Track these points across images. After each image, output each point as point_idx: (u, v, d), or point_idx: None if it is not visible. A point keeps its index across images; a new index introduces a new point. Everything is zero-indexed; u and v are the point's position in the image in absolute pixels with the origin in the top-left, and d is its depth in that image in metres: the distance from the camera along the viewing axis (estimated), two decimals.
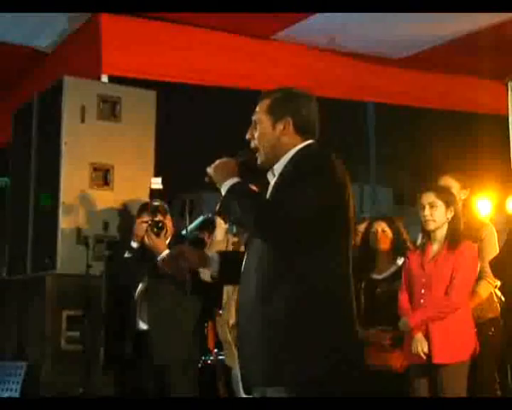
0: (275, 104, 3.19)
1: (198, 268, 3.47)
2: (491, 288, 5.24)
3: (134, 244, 5.44)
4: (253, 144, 3.22)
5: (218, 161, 3.14)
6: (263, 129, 3.18)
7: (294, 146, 3.16)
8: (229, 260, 3.42)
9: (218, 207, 3.07)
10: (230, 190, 3.03)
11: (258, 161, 3.21)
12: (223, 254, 3.47)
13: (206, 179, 3.15)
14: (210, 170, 3.13)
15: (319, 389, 2.90)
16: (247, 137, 3.24)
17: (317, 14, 6.53)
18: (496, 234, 5.41)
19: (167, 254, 3.39)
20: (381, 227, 5.44)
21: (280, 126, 3.16)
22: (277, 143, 3.17)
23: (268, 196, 3.13)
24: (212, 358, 6.42)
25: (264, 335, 2.96)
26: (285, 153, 3.16)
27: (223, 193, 3.05)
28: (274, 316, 2.94)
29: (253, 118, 3.23)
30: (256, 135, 3.20)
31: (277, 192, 3.06)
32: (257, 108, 3.23)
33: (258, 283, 3.01)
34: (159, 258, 3.28)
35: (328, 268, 3.01)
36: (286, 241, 2.96)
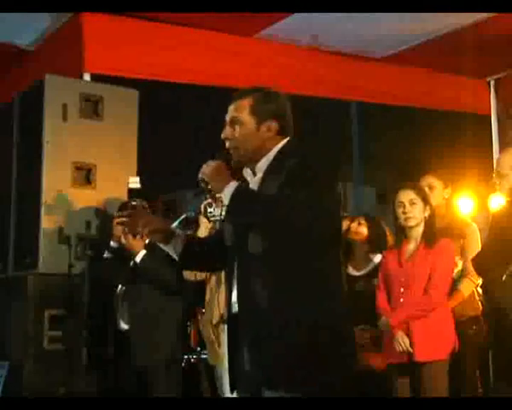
0: (257, 105, 3.17)
1: (159, 237, 3.33)
2: (473, 286, 5.26)
3: (113, 244, 5.42)
4: (230, 144, 3.18)
5: (209, 167, 3.06)
6: (247, 130, 3.16)
7: (276, 145, 3.18)
8: (195, 244, 3.44)
9: (225, 215, 3.04)
10: (236, 194, 2.98)
11: (235, 160, 3.18)
12: (189, 236, 3.44)
13: (202, 186, 3.06)
14: (206, 177, 3.05)
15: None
16: (223, 136, 3.19)
17: (299, 13, 6.52)
18: (478, 232, 5.43)
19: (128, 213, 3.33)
20: (358, 220, 5.52)
21: (264, 128, 3.17)
22: (262, 144, 3.17)
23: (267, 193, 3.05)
24: (195, 356, 6.40)
25: (286, 339, 2.95)
26: (267, 152, 3.17)
27: (226, 200, 2.99)
28: (294, 321, 2.95)
29: (232, 117, 3.18)
30: (237, 135, 3.17)
31: (288, 190, 2.97)
32: (235, 107, 3.19)
33: (268, 289, 2.98)
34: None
35: (339, 271, 3.16)
36: (307, 242, 2.97)
